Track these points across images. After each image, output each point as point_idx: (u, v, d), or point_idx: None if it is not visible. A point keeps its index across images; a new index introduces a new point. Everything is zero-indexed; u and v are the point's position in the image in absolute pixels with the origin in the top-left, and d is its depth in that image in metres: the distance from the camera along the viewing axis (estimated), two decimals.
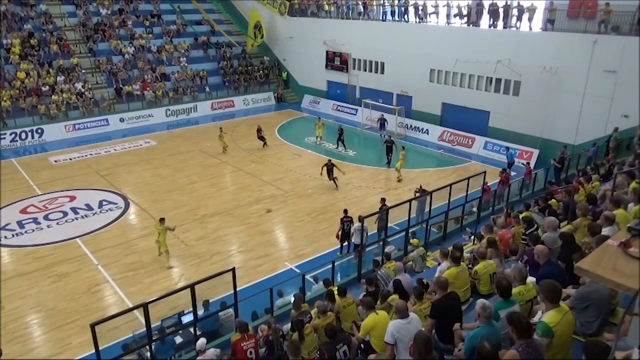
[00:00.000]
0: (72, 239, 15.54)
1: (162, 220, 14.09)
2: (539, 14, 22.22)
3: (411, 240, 12.78)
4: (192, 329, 8.95)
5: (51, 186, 19.77)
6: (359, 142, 26.80)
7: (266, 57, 37.19)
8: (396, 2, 28.79)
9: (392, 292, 7.91)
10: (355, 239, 13.09)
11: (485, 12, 23.94)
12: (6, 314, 11.79)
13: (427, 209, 13.76)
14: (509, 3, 23.36)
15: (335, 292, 8.11)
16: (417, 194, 15.09)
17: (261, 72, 35.81)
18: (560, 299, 4.94)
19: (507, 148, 21.63)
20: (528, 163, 19.91)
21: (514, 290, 5.83)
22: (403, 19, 28.26)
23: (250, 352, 7.17)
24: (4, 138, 24.81)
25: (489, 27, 23.75)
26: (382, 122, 27.03)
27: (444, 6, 25.61)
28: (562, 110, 21.07)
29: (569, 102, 20.72)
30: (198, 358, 7.50)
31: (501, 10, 23.13)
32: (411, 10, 27.48)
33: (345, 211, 14.08)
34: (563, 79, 20.71)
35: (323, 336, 7.03)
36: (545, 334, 4.55)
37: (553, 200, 12.02)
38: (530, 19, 22.36)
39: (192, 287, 8.39)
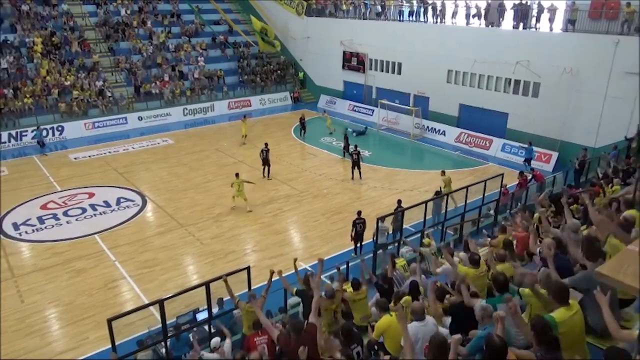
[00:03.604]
0: (90, 235, 15.77)
1: (237, 175, 17.72)
2: (559, 15, 21.91)
3: (424, 240, 12.65)
4: (206, 327, 9.01)
5: (71, 183, 20.10)
6: (374, 143, 26.71)
7: (282, 57, 37.29)
8: (414, 2, 28.65)
9: (407, 293, 7.87)
10: (380, 239, 12.88)
11: (505, 12, 23.67)
12: (25, 308, 12.02)
13: (442, 211, 13.65)
14: (528, 3, 23.06)
15: (349, 286, 8.19)
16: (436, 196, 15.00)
17: (278, 72, 35.93)
18: (569, 298, 4.88)
19: (530, 143, 21.45)
20: (532, 168, 19.70)
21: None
22: (420, 19, 28.10)
23: (264, 348, 7.20)
24: (26, 135, 25.29)
25: (512, 27, 23.48)
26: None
27: (463, 7, 25.41)
28: (582, 112, 20.71)
29: (590, 104, 20.36)
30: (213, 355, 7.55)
31: (520, 11, 22.86)
32: (429, 10, 27.32)
33: (359, 213, 14.04)
34: (583, 80, 20.37)
35: (329, 318, 7.06)
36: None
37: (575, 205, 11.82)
38: (550, 20, 22.03)
39: (207, 284, 8.45)
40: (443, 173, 17.50)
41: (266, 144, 20.81)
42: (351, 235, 14.00)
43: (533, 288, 5.37)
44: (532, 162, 21.34)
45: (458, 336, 4.69)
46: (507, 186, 15.83)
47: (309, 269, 13.47)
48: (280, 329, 6.47)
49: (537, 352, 4.27)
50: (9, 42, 28.34)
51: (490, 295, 7.47)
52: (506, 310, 4.95)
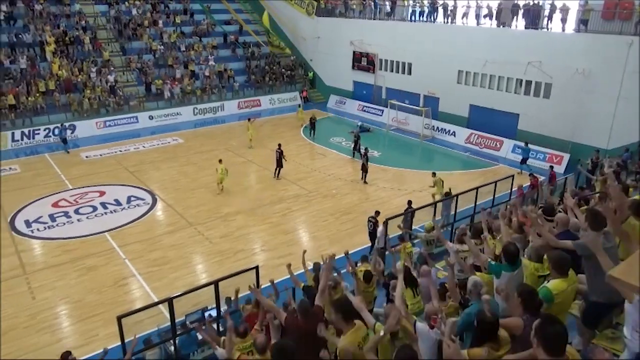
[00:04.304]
0: (101, 233, 15.90)
1: (220, 161, 19.23)
2: (572, 15, 21.71)
3: (426, 225, 12.43)
4: (215, 325, 9.04)
5: (82, 181, 20.28)
6: (384, 143, 26.65)
7: (292, 57, 37.35)
8: (425, 2, 28.55)
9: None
10: (379, 243, 12.92)
11: (519, 13, 23.50)
12: (36, 304, 12.16)
13: (452, 212, 13.59)
14: (540, 3, 22.88)
15: (361, 276, 8.46)
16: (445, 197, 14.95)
17: (288, 72, 36.00)
18: (569, 270, 4.93)
19: (526, 143, 21.37)
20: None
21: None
22: (431, 19, 28.01)
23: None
24: (38, 133, 25.58)
25: (524, 27, 23.31)
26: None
27: (474, 7, 25.27)
28: (595, 113, 20.50)
29: (602, 106, 20.15)
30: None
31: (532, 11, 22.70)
32: (440, 10, 27.22)
33: (377, 213, 13.98)
34: (596, 81, 20.16)
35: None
36: (545, 299, 4.60)
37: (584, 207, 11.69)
38: (563, 20, 21.84)
39: (215, 283, 8.49)
40: (434, 174, 17.66)
41: (279, 145, 20.81)
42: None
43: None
44: (545, 163, 21.16)
45: (454, 319, 4.70)
46: (523, 186, 15.72)
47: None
48: (288, 311, 6.53)
49: (524, 316, 4.31)
50: (23, 40, 28.68)
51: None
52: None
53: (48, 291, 12.73)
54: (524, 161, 21.05)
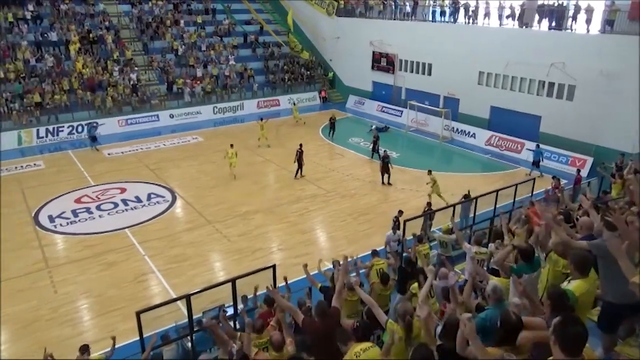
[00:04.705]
0: (121, 229, 16.16)
1: (232, 145, 20.40)
2: (597, 15, 21.27)
3: (443, 226, 12.30)
4: (231, 323, 9.10)
5: (104, 178, 20.64)
6: (402, 144, 26.50)
7: (312, 57, 37.39)
8: (446, 2, 28.30)
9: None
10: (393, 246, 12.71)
11: (545, 14, 23.13)
12: (58, 298, 12.41)
13: (471, 215, 13.43)
14: (564, 4, 22.47)
15: (379, 280, 8.61)
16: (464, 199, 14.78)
17: (308, 72, 36.06)
18: (590, 271, 4.85)
19: (538, 145, 21.12)
20: (579, 170, 19.14)
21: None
22: (451, 20, 27.75)
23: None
24: (62, 131, 26.12)
25: (548, 28, 22.94)
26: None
27: (495, 7, 24.96)
28: (620, 116, 20.04)
29: (627, 109, 19.66)
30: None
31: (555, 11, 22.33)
32: (461, 10, 26.94)
33: (400, 212, 13.87)
34: (621, 83, 19.71)
35: (348, 310, 7.51)
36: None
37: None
38: (587, 21, 21.41)
39: (233, 281, 8.54)
40: (429, 172, 17.72)
41: (300, 145, 20.81)
42: None
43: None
44: (567, 166, 20.78)
45: (468, 315, 4.64)
46: (549, 189, 15.47)
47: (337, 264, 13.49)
48: (304, 311, 6.61)
49: (548, 320, 4.18)
50: (49, 39, 29.31)
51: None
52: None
53: (70, 285, 12.98)
54: (536, 163, 20.70)
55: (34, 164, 22.41)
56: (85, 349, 7.84)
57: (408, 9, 30.54)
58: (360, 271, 9.45)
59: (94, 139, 24.72)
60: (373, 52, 32.37)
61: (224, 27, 36.22)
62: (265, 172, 22.04)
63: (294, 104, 31.39)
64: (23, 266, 13.84)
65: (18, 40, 28.44)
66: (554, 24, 22.77)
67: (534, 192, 15.37)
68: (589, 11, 21.37)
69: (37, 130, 25.53)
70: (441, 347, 4.58)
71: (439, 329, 4.80)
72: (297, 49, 36.73)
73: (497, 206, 13.30)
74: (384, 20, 31.86)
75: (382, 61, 31.99)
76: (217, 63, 33.29)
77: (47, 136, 25.77)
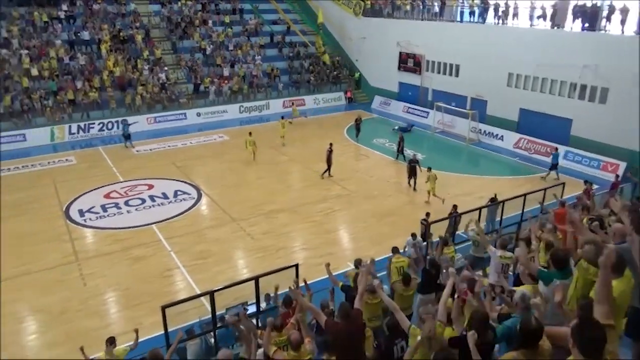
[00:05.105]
0: (148, 224, 16.47)
1: (250, 133, 22.04)
2: (632, 16, 20.63)
3: (476, 227, 12.10)
4: (254, 320, 9.17)
5: (132, 174, 21.06)
6: (428, 146, 26.24)
7: (337, 57, 37.39)
8: (476, 2, 27.90)
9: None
10: (408, 251, 12.57)
11: (576, 14, 22.59)
12: (88, 290, 12.74)
13: (497, 218, 13.21)
14: (598, 4, 21.88)
15: (400, 279, 8.62)
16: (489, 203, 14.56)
17: (334, 72, 36.06)
18: (625, 270, 4.72)
19: (556, 148, 20.87)
20: (617, 176, 18.59)
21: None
22: (480, 20, 27.35)
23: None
24: (93, 127, 26.80)
25: (581, 29, 22.41)
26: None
27: (526, 7, 24.48)
28: None
29: None
30: None
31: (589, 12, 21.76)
32: (490, 11, 26.52)
33: (428, 214, 13.78)
34: None
35: (369, 313, 7.53)
36: None
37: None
38: (622, 22, 20.80)
39: (256, 279, 8.61)
40: (429, 169, 17.96)
41: (330, 144, 20.73)
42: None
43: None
44: (599, 171, 20.28)
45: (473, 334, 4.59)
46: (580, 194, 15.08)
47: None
48: (326, 312, 6.64)
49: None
50: (81, 38, 30.10)
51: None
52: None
53: (99, 278, 13.30)
54: (554, 167, 20.23)
55: (66, 159, 23.06)
56: (112, 341, 8.04)
57: (436, 9, 30.24)
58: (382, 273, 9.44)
59: (128, 137, 25.21)
60: (400, 53, 32.15)
61: (251, 26, 36.54)
62: (290, 171, 22.15)
63: (293, 103, 31.93)
64: (55, 258, 14.26)
65: (52, 39, 29.31)
66: (587, 24, 22.22)
67: (563, 197, 15.00)
68: (624, 11, 20.76)
69: (69, 126, 26.26)
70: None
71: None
72: (320, 50, 36.82)
73: (525, 210, 13.05)
74: (411, 21, 31.62)
75: (409, 62, 31.75)
76: (244, 63, 33.59)
77: (78, 132, 26.48)
